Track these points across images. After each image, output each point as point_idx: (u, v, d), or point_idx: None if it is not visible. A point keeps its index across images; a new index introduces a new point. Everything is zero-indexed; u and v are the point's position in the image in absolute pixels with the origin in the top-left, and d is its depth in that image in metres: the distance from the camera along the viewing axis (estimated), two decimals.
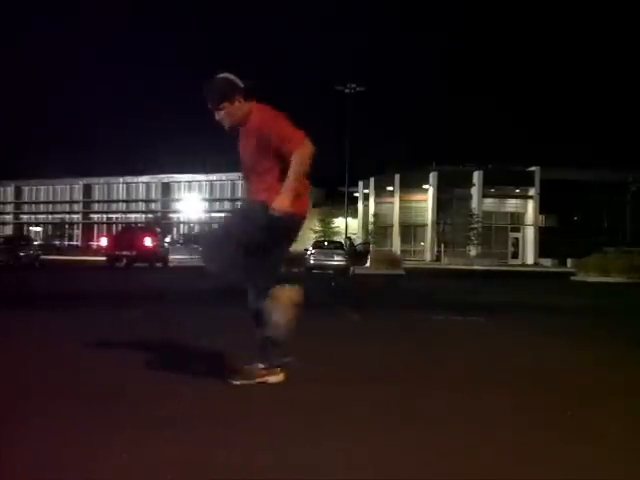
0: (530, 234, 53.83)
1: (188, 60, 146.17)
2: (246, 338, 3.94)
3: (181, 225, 65.72)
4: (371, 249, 30.71)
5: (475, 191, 53.04)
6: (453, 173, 53.55)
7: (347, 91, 42.73)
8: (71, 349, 4.94)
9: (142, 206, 68.72)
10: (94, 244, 61.04)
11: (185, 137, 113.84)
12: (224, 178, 63.57)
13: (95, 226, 69.72)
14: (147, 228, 34.65)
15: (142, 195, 68.68)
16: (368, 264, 25.60)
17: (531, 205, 53.96)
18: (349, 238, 30.53)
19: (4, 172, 67.23)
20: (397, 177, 54.97)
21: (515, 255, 54.06)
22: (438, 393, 3.66)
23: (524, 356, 5.18)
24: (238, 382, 3.58)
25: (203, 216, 63.35)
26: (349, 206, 47.04)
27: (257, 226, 3.51)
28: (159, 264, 26.18)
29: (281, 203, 3.41)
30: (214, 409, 3.18)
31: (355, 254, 26.47)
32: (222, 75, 3.62)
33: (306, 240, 47.78)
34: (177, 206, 65.15)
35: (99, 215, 71.01)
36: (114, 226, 63.99)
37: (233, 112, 3.60)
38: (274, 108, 3.67)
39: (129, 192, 69.54)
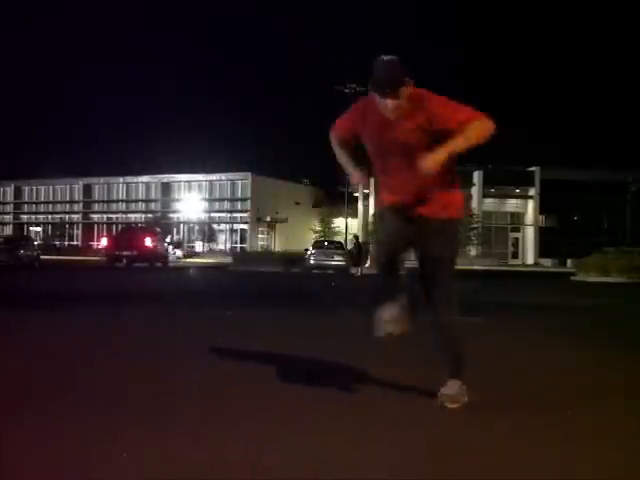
0: (530, 234, 53.79)
1: (188, 60, 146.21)
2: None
3: (181, 225, 65.74)
4: (371, 249, 30.66)
5: (475, 191, 53.00)
6: None
7: (347, 91, 42.71)
8: (70, 348, 4.95)
9: (142, 206, 68.66)
10: (94, 244, 61.04)
11: (185, 137, 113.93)
12: (224, 178, 63.51)
13: (95, 226, 69.65)
14: (147, 228, 34.64)
15: (142, 195, 68.61)
16: (368, 264, 25.55)
17: (531, 205, 53.92)
18: (356, 237, 30.30)
19: (4, 172, 67.20)
20: None
21: (515, 255, 54.01)
22: (436, 388, 3.67)
23: (524, 356, 5.18)
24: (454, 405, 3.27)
25: (203, 216, 63.35)
26: (349, 206, 47.00)
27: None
28: (159, 264, 26.18)
29: (435, 159, 3.06)
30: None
31: (361, 253, 26.34)
32: (391, 57, 3.21)
33: (306, 240, 47.82)
34: (177, 206, 65.12)
35: (99, 215, 70.95)
36: (114, 226, 63.95)
37: (404, 99, 3.18)
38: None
39: (129, 192, 69.48)
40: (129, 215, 68.37)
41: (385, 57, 3.18)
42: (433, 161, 3.05)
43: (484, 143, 3.22)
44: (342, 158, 3.49)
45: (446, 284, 3.34)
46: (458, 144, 3.11)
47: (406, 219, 3.32)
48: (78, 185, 70.66)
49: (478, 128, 3.14)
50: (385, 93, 3.13)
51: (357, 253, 26.49)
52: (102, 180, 69.69)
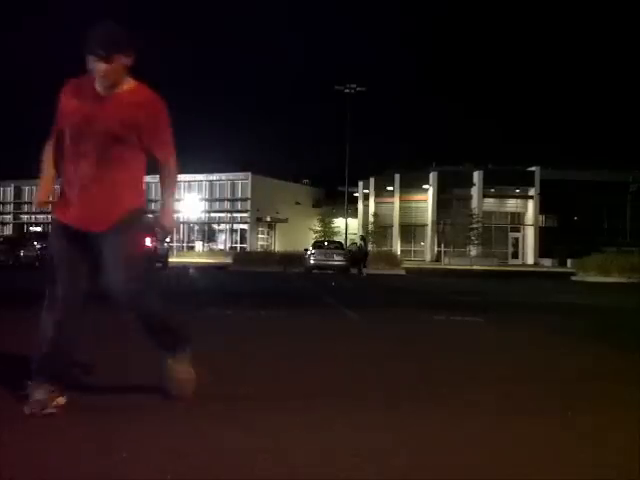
0: (530, 234, 53.79)
1: (188, 60, 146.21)
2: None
3: (181, 225, 65.74)
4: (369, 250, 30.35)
5: (475, 191, 53.00)
6: (453, 173, 53.53)
7: (347, 91, 42.71)
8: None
9: None
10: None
11: (185, 137, 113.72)
12: (224, 178, 63.54)
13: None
14: (147, 228, 34.57)
15: None
16: (364, 274, 25.29)
17: (531, 205, 53.92)
18: (363, 238, 30.20)
19: (4, 172, 67.20)
20: (397, 177, 54.95)
21: (515, 255, 54.01)
22: (438, 391, 3.66)
23: (523, 356, 5.18)
24: None
25: (203, 216, 63.37)
26: (349, 206, 47.00)
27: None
28: (159, 264, 26.15)
29: (170, 220, 3.21)
30: None
31: (363, 255, 26.24)
32: (114, 24, 3.01)
33: (306, 240, 47.81)
34: (177, 206, 65.15)
35: None
36: None
37: (120, 71, 2.99)
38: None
39: None
40: None
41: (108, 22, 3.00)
42: (172, 219, 3.19)
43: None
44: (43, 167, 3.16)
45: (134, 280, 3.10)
46: (174, 190, 3.23)
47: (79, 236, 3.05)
48: None
49: (175, 172, 3.19)
50: (97, 54, 2.91)
51: (364, 253, 26.45)
52: None
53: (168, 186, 3.21)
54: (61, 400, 3.01)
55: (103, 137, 2.98)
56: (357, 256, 26.01)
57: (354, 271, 25.13)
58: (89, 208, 3.02)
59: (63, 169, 3.10)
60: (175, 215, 3.15)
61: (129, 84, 3.07)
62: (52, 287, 3.05)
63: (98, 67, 2.93)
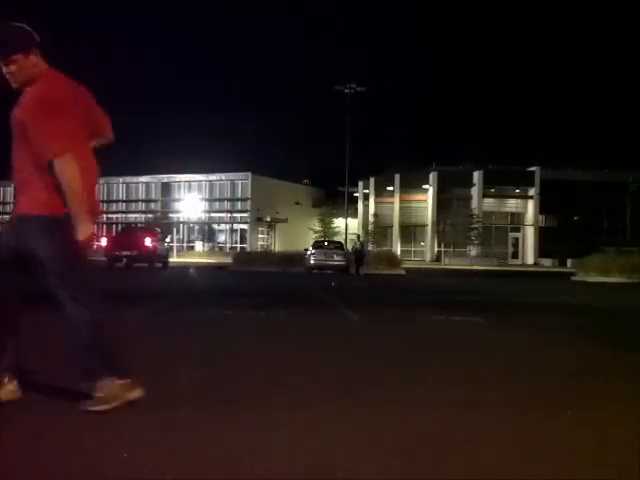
0: (530, 234, 53.78)
1: (189, 60, 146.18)
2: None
3: (181, 225, 65.74)
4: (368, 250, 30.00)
5: (475, 191, 52.99)
6: (453, 173, 53.53)
7: (347, 91, 42.69)
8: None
9: (142, 206, 68.69)
10: (94, 244, 60.94)
11: (185, 137, 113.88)
12: (224, 178, 63.51)
13: (95, 226, 69.65)
14: (147, 228, 34.62)
15: (142, 195, 68.64)
16: (362, 274, 25.06)
17: (531, 205, 53.91)
18: (358, 236, 30.10)
19: (4, 172, 67.15)
20: (397, 177, 54.94)
21: (515, 255, 54.00)
22: (438, 391, 3.67)
23: (523, 356, 5.18)
24: None
25: (203, 216, 63.37)
26: (349, 206, 46.98)
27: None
28: (159, 264, 26.16)
29: (87, 229, 2.98)
30: None
31: (362, 255, 26.19)
32: (17, 24, 3.00)
33: (306, 240, 47.78)
34: (177, 206, 65.12)
35: (99, 215, 70.97)
36: (114, 226, 63.94)
37: (27, 67, 2.96)
38: (70, 79, 3.11)
39: (129, 192, 69.50)
40: (129, 215, 68.36)
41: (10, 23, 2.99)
42: (87, 232, 2.99)
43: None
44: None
45: (67, 284, 3.02)
46: (74, 200, 2.92)
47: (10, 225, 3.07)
48: None
49: (68, 179, 2.90)
50: None
51: (360, 253, 26.41)
52: (102, 180, 69.67)
53: (65, 193, 2.92)
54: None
55: (14, 139, 3.01)
56: (356, 256, 26.01)
57: (352, 271, 25.10)
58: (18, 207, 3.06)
59: None
60: (85, 224, 2.91)
61: (39, 80, 3.00)
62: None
63: (3, 70, 2.97)
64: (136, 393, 3.04)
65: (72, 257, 3.00)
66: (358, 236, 30.72)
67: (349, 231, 43.66)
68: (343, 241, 35.90)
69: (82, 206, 2.93)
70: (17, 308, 3.14)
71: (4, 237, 3.08)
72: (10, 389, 3.09)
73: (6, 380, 3.08)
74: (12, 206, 3.15)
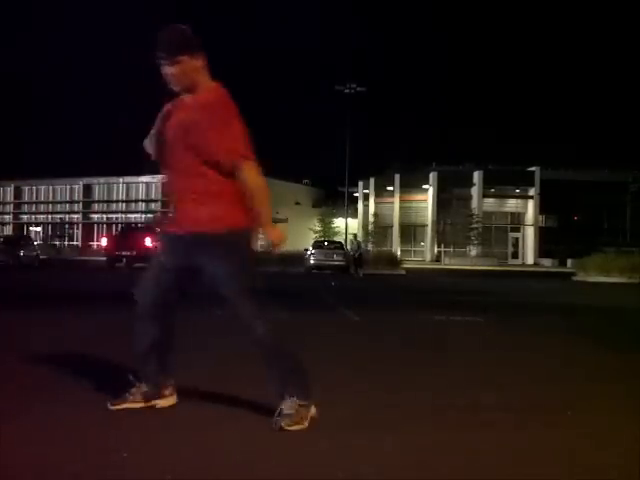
0: (530, 234, 53.78)
1: None
2: None
3: None
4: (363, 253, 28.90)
5: (475, 191, 52.99)
6: (453, 173, 53.52)
7: (347, 91, 42.69)
8: (69, 347, 4.94)
9: (142, 206, 68.68)
10: (94, 244, 61.04)
11: None
12: None
13: (95, 226, 69.66)
14: (147, 228, 34.63)
15: (142, 195, 68.63)
16: (362, 275, 24.60)
17: (531, 205, 53.91)
18: (355, 236, 29.95)
19: (4, 172, 67.19)
20: (397, 177, 54.94)
21: (515, 255, 54.00)
22: (437, 391, 3.66)
23: (523, 356, 5.18)
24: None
25: None
26: (349, 206, 46.98)
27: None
28: None
29: (278, 235, 2.94)
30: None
31: (359, 257, 25.94)
32: (182, 26, 2.93)
33: (306, 240, 47.76)
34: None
35: (99, 215, 70.92)
36: (114, 226, 63.93)
37: (190, 71, 2.88)
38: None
39: (129, 192, 69.48)
40: (129, 215, 68.35)
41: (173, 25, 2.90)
42: (279, 238, 2.91)
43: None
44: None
45: (247, 300, 2.97)
46: (261, 207, 2.88)
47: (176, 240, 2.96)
48: (78, 185, 70.65)
49: (256, 185, 2.85)
50: (165, 56, 2.85)
51: (358, 253, 26.27)
52: (102, 180, 69.68)
53: (251, 197, 2.86)
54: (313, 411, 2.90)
55: (175, 144, 2.88)
56: (354, 256, 25.83)
57: (352, 271, 24.98)
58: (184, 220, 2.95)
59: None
60: (273, 227, 2.88)
61: (204, 88, 2.92)
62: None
63: (165, 70, 2.88)
64: (313, 410, 2.90)
65: (253, 273, 2.99)
66: (355, 235, 30.63)
67: (349, 231, 43.66)
68: (343, 241, 35.91)
69: (268, 209, 2.90)
70: (174, 324, 3.16)
71: (167, 255, 3.01)
72: (169, 399, 3.13)
73: (167, 392, 3.13)
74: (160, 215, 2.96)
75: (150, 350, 3.03)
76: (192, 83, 2.90)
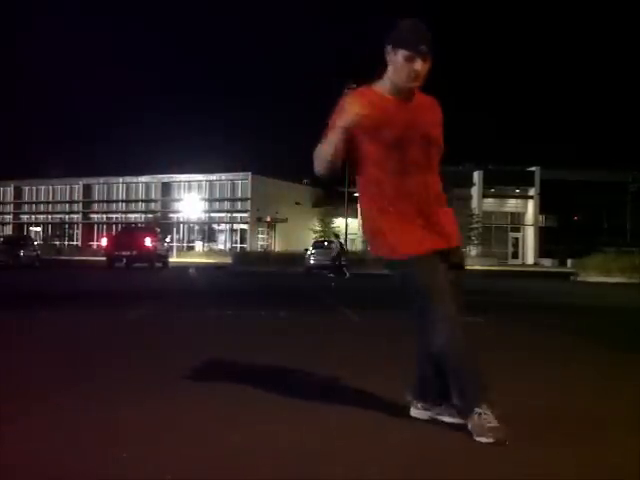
0: (530, 234, 53.84)
1: (188, 60, 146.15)
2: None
3: (181, 225, 65.76)
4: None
5: (475, 191, 53.04)
6: (453, 173, 53.55)
7: (347, 91, 42.71)
8: (70, 347, 4.94)
9: (142, 206, 68.72)
10: (94, 244, 61.09)
11: (185, 137, 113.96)
12: (224, 178, 63.56)
13: (95, 226, 69.70)
14: (147, 228, 34.63)
15: (142, 195, 68.67)
16: (348, 275, 23.20)
17: (531, 205, 53.97)
18: (336, 235, 29.53)
19: (4, 172, 67.21)
20: None
21: (515, 255, 54.05)
22: None
23: (523, 356, 5.18)
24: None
25: (203, 216, 63.38)
26: (349, 206, 47.00)
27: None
28: (159, 264, 26.17)
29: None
30: None
31: (338, 256, 25.03)
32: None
33: (306, 240, 47.76)
34: (177, 206, 65.13)
35: (99, 215, 70.97)
36: (114, 226, 63.95)
37: (426, 73, 2.78)
38: None
39: (129, 192, 69.51)
40: (129, 215, 68.39)
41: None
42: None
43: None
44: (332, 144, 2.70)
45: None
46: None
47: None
48: (78, 185, 70.68)
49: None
50: (421, 51, 2.67)
51: (337, 253, 25.49)
52: (102, 180, 69.72)
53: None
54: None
55: (426, 143, 2.82)
56: (338, 255, 25.03)
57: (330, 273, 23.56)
58: (441, 221, 2.88)
59: (382, 187, 2.79)
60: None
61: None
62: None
63: (419, 66, 2.68)
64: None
65: None
66: (336, 235, 30.31)
67: (349, 231, 43.65)
68: (343, 241, 35.90)
69: None
70: None
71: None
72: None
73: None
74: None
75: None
76: (421, 84, 2.82)
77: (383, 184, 2.78)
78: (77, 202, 71.17)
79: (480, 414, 2.63)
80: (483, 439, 2.59)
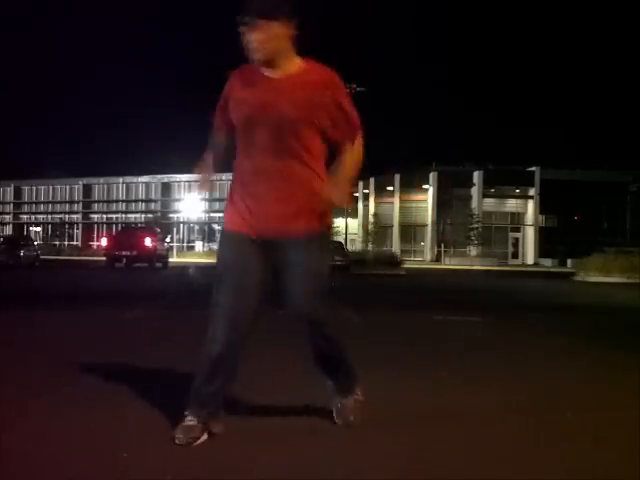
0: (530, 234, 53.84)
1: (188, 59, 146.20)
2: None
3: (181, 225, 65.76)
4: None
5: (475, 191, 53.05)
6: (453, 173, 53.58)
7: (347, 91, 42.74)
8: (71, 347, 4.94)
9: (142, 206, 68.75)
10: (94, 244, 61.09)
11: (185, 137, 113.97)
12: (224, 178, 63.52)
13: (95, 226, 69.73)
14: (147, 228, 34.63)
15: (142, 195, 68.70)
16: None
17: (531, 205, 53.98)
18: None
19: (4, 172, 67.24)
20: (397, 177, 54.99)
21: (515, 255, 54.06)
22: (437, 391, 3.66)
23: (523, 356, 5.18)
24: None
25: (203, 216, 63.38)
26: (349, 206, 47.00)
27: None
28: (159, 264, 26.16)
29: (342, 191, 2.57)
30: None
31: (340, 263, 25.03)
32: None
33: None
34: (177, 206, 65.15)
35: (99, 215, 71.01)
36: (114, 226, 63.97)
37: (277, 39, 2.53)
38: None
39: (129, 192, 69.55)
40: (129, 215, 68.42)
41: None
42: (341, 194, 2.55)
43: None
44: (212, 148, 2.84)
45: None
46: (353, 170, 2.67)
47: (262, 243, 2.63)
48: (78, 185, 70.72)
49: (357, 154, 2.69)
50: (243, 22, 2.49)
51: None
52: (102, 180, 69.77)
53: (348, 167, 2.65)
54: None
55: (279, 125, 2.53)
56: None
57: None
58: (279, 208, 2.59)
59: (236, 166, 2.72)
60: (346, 194, 2.56)
61: (299, 63, 2.65)
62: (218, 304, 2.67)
63: (246, 37, 2.51)
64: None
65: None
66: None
67: (349, 231, 43.66)
68: (343, 241, 35.94)
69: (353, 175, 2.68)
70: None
71: (246, 258, 2.64)
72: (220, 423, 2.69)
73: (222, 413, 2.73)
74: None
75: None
76: (275, 54, 2.58)
77: (237, 162, 2.73)
78: (77, 202, 71.20)
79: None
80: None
